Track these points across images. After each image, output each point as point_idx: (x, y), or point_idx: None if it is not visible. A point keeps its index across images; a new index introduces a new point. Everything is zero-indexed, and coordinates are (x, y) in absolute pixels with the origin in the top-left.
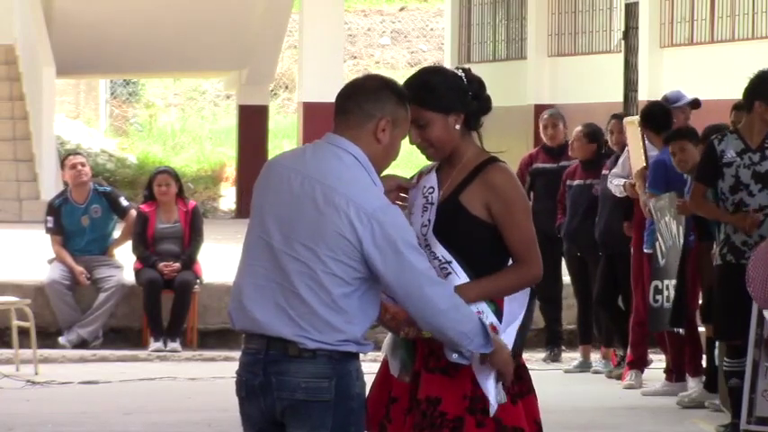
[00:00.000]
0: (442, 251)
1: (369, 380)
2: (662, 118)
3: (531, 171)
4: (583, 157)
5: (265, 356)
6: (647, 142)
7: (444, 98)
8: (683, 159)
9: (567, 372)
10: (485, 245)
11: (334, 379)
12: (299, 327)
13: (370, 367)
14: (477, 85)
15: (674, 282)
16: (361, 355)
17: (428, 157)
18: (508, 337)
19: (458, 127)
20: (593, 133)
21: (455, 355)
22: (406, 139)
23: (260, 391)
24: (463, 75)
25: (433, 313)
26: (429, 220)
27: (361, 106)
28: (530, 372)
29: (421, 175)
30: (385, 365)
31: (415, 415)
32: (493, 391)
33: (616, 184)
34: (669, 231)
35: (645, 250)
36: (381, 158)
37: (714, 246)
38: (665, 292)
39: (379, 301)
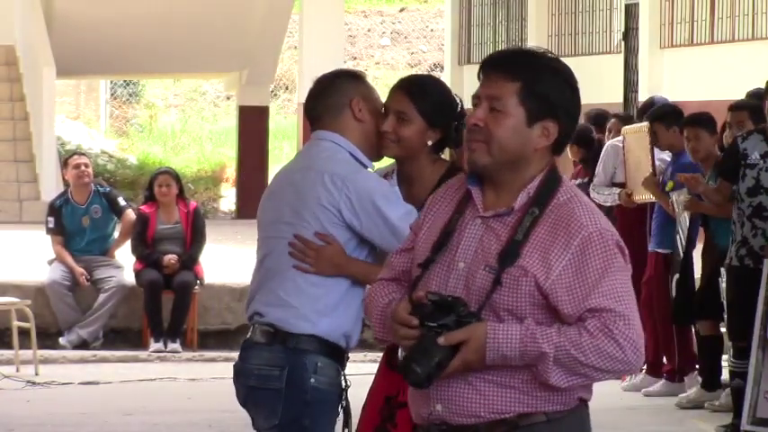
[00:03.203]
0: None
1: (362, 380)
2: (674, 115)
3: None
4: (576, 159)
5: (243, 343)
6: (655, 149)
7: (435, 109)
8: (696, 148)
9: None
10: None
11: (287, 368)
12: (259, 300)
13: (371, 368)
14: (463, 121)
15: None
16: (362, 356)
17: (384, 150)
18: None
19: (430, 143)
20: (575, 137)
21: None
22: None
23: (235, 375)
24: (460, 104)
25: None
26: None
27: (328, 104)
28: None
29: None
30: (379, 370)
31: None
32: None
33: (608, 194)
34: (686, 226)
35: (656, 249)
36: (373, 134)
37: (731, 247)
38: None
39: (359, 294)
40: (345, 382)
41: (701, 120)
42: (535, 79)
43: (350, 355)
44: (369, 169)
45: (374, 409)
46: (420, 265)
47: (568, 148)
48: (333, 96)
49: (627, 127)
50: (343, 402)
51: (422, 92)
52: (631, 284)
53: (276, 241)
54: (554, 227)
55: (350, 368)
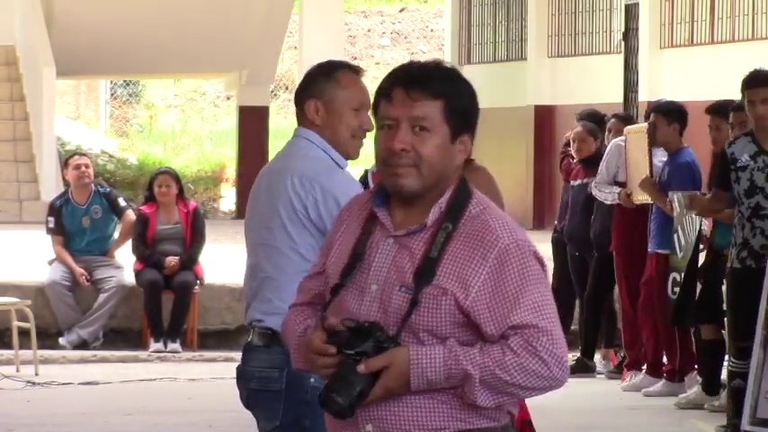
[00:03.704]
0: None
1: None
2: (678, 113)
3: None
4: (587, 155)
5: (244, 346)
6: (654, 150)
7: None
8: (717, 139)
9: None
10: None
11: (286, 370)
12: (257, 308)
13: None
14: None
15: None
16: None
17: None
18: None
19: None
20: (594, 131)
21: None
22: None
23: (237, 378)
24: None
25: None
26: None
27: (300, 100)
28: None
29: (375, 176)
30: None
31: None
32: None
33: (608, 192)
34: (693, 227)
35: (656, 250)
36: (333, 139)
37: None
38: None
39: None
40: None
41: (725, 110)
42: (455, 95)
43: None
44: (343, 168)
45: None
46: (331, 290)
47: (580, 144)
48: (304, 93)
49: (629, 127)
50: None
51: None
52: (552, 295)
53: (263, 248)
54: (469, 241)
55: None
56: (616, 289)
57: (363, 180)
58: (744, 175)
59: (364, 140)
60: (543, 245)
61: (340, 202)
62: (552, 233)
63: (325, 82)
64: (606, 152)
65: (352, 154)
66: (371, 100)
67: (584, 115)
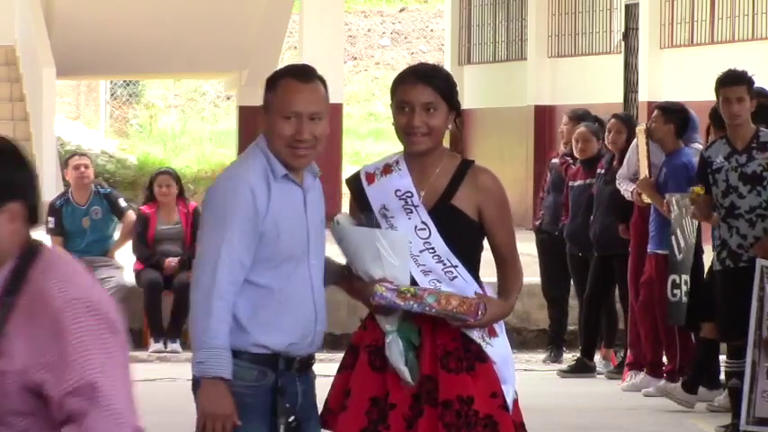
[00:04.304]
0: (447, 255)
1: (325, 382)
2: (678, 114)
3: None
4: (590, 155)
5: None
6: (652, 151)
7: (455, 94)
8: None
9: (562, 373)
10: (476, 245)
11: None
12: None
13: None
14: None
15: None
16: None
17: (411, 146)
18: (502, 337)
19: (450, 126)
20: (596, 132)
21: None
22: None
23: None
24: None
25: (191, 297)
26: (425, 223)
27: None
28: (532, 372)
29: (371, 176)
30: (359, 372)
31: (447, 415)
32: (512, 388)
33: (625, 188)
34: (692, 229)
35: (655, 251)
36: (271, 147)
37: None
38: (684, 287)
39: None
40: (277, 382)
41: (713, 117)
42: None
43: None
44: (277, 177)
45: (359, 411)
46: None
47: (584, 144)
48: None
49: (639, 126)
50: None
51: (438, 77)
52: (116, 349)
53: None
54: (27, 311)
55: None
56: (616, 289)
57: (354, 180)
58: (719, 177)
59: (309, 149)
60: None
61: (204, 211)
62: (537, 234)
63: (268, 89)
64: (630, 149)
65: (289, 162)
66: (321, 107)
67: (579, 115)
